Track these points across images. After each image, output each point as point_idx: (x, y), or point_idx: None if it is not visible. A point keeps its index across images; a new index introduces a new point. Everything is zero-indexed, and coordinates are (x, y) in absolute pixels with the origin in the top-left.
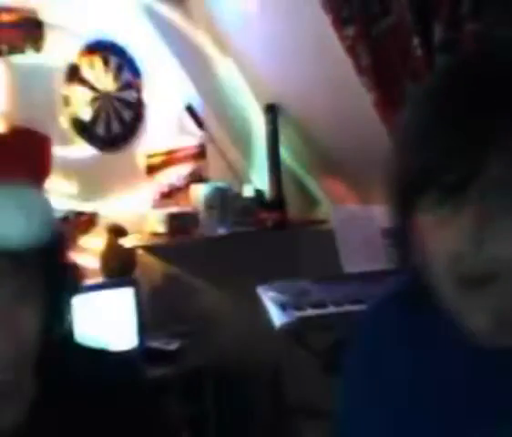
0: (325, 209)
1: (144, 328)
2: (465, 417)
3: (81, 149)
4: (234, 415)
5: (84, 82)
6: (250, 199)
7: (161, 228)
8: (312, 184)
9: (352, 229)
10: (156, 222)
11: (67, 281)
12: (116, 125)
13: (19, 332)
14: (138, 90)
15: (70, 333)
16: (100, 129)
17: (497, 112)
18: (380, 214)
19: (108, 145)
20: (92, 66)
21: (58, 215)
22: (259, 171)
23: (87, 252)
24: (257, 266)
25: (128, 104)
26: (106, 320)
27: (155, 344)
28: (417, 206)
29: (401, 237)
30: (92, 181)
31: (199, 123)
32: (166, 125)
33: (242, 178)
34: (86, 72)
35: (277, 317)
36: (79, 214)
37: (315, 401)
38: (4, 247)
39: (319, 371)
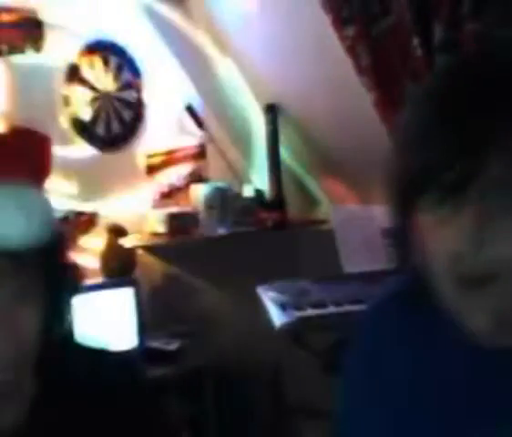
0: (325, 209)
1: (144, 328)
2: (465, 417)
3: (81, 149)
4: (234, 415)
5: (84, 82)
6: (250, 199)
7: (161, 228)
8: (312, 184)
9: (352, 229)
10: (156, 222)
11: (67, 281)
12: (116, 125)
13: (19, 332)
14: (138, 90)
15: (70, 333)
16: (100, 129)
17: (497, 112)
18: (380, 214)
19: (108, 145)
20: (92, 66)
21: (58, 215)
22: (259, 171)
23: (87, 252)
24: (257, 266)
25: (128, 104)
26: (106, 320)
27: (155, 344)
28: (417, 206)
29: (401, 237)
30: (92, 181)
31: (199, 123)
32: (166, 125)
33: (242, 178)
34: (86, 72)
35: (277, 317)
36: (79, 214)
37: (315, 401)
38: (4, 247)
39: (319, 371)
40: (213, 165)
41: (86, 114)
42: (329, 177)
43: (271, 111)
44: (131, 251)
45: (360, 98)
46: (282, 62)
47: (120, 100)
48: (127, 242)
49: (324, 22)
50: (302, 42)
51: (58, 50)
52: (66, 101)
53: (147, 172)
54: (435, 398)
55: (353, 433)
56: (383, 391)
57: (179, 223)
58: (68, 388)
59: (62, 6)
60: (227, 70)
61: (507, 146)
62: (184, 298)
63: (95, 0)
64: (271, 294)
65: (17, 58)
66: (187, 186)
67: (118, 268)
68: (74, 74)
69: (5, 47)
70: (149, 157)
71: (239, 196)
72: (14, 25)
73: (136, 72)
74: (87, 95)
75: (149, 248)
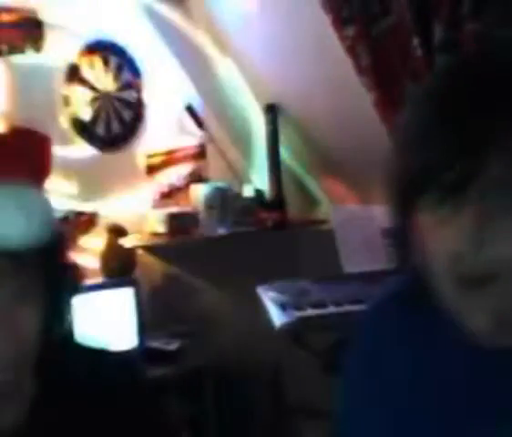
0: (325, 209)
1: (144, 328)
2: (466, 417)
3: (81, 149)
4: (234, 415)
5: (84, 82)
6: (250, 199)
7: (161, 228)
8: (312, 184)
9: (352, 229)
10: (156, 222)
11: (67, 281)
12: (116, 125)
13: (19, 332)
14: (138, 90)
15: (70, 333)
16: (100, 129)
17: (497, 112)
18: (380, 214)
19: (108, 145)
20: (92, 66)
21: (58, 215)
22: (259, 171)
23: (87, 252)
24: (257, 266)
25: (128, 104)
26: (106, 320)
27: (155, 344)
28: (417, 206)
29: (401, 237)
30: (92, 181)
31: (199, 123)
32: (166, 125)
33: (242, 178)
34: (86, 72)
35: (277, 317)
36: (79, 214)
37: (315, 401)
38: (4, 247)
39: (319, 371)
40: (213, 165)
41: (86, 114)
42: (329, 177)
43: (271, 111)
44: (131, 251)
45: (360, 98)
46: (282, 62)
47: (120, 100)
48: (127, 242)
49: (324, 22)
50: (302, 42)
51: (58, 50)
52: (66, 101)
53: (147, 172)
54: (435, 398)
55: (353, 433)
56: (383, 391)
57: (178, 223)
58: (68, 388)
59: (62, 6)
60: (227, 70)
61: (507, 146)
62: (184, 298)
63: (95, 0)
64: (271, 294)
65: (17, 58)
66: (187, 186)
67: (118, 268)
68: (74, 74)
69: (5, 47)
70: (149, 157)
71: (239, 196)
72: (14, 25)
73: (136, 72)
74: (87, 95)
75: (149, 248)
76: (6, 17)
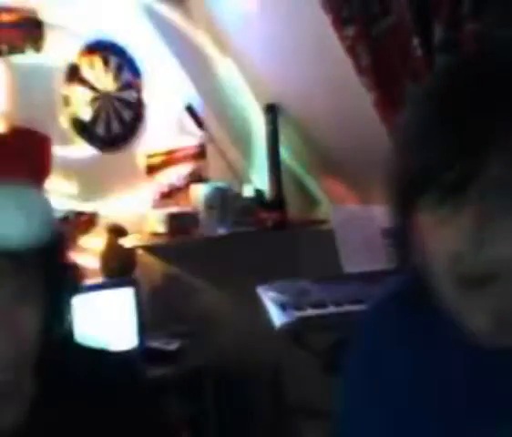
0: (325, 209)
1: (144, 328)
2: (466, 417)
3: (81, 149)
4: (234, 415)
5: (84, 82)
6: (250, 199)
7: (161, 228)
8: (312, 184)
9: (352, 229)
10: (156, 222)
11: (67, 281)
12: (116, 125)
13: (19, 332)
14: (138, 90)
15: (70, 333)
16: (100, 129)
17: (497, 112)
18: (380, 214)
19: (108, 145)
20: (92, 66)
21: (58, 215)
22: (259, 171)
23: (87, 252)
24: (257, 266)
25: (128, 104)
26: (106, 320)
27: (155, 344)
28: (417, 206)
29: (401, 237)
30: (92, 181)
31: (199, 123)
32: (166, 125)
33: (242, 178)
34: (86, 72)
35: (277, 317)
36: (79, 214)
37: (315, 401)
38: (4, 247)
39: (319, 371)
40: (213, 165)
41: (86, 114)
42: (329, 177)
43: (271, 111)
44: (131, 251)
45: (360, 98)
46: (282, 62)
47: (120, 100)
48: (127, 242)
49: (324, 22)
50: (302, 42)
51: (58, 50)
52: (66, 101)
53: (147, 172)
54: (435, 398)
55: (353, 433)
56: (383, 391)
57: (178, 223)
58: (68, 388)
59: (62, 6)
60: (227, 70)
61: (507, 146)
62: (184, 298)
63: (95, 0)
64: (271, 294)
65: (17, 58)
66: (187, 186)
67: (118, 268)
68: (74, 74)
69: (5, 47)
70: (149, 157)
71: (239, 196)
72: (14, 25)
73: (136, 72)
74: (87, 95)
75: (149, 248)
76: (6, 17)
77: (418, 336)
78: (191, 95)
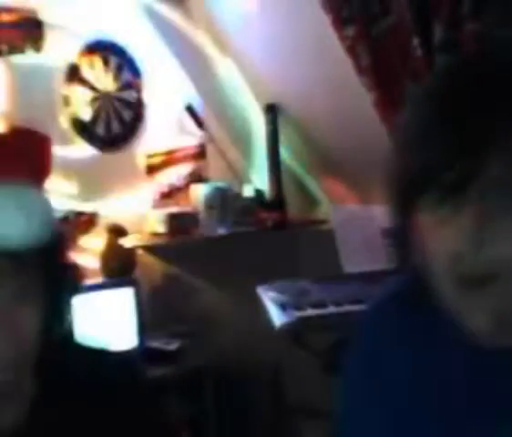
0: (325, 209)
1: (144, 328)
2: (466, 417)
3: (81, 149)
4: (234, 415)
5: (84, 82)
6: (250, 199)
7: (161, 228)
8: (312, 184)
9: (352, 229)
10: (156, 222)
11: (67, 281)
12: (116, 125)
13: (19, 332)
14: (138, 90)
15: (70, 333)
16: (100, 129)
17: (497, 112)
18: (380, 214)
19: (108, 145)
20: (92, 66)
21: (58, 215)
22: (259, 171)
23: (87, 252)
24: (257, 266)
25: (128, 104)
26: (106, 320)
27: (155, 344)
28: (417, 206)
29: (401, 237)
30: (92, 181)
31: (199, 123)
32: (166, 125)
33: (242, 178)
34: (86, 72)
35: (277, 317)
36: (79, 214)
37: (315, 401)
38: (4, 247)
39: (319, 371)
40: (213, 165)
41: (86, 114)
42: (329, 177)
43: (271, 111)
44: (131, 251)
45: (360, 98)
46: (282, 62)
47: (120, 100)
48: (127, 242)
49: (324, 22)
50: (302, 42)
51: (58, 50)
52: (66, 101)
53: (147, 172)
54: (435, 398)
55: (353, 433)
56: (383, 391)
57: (178, 223)
58: (68, 388)
59: (62, 6)
60: (227, 70)
61: (507, 146)
62: (184, 298)
63: (95, 0)
64: (271, 294)
65: (17, 58)
66: (187, 186)
67: (118, 268)
68: (74, 74)
69: (5, 47)
70: (149, 157)
71: (239, 196)
72: (14, 25)
73: (136, 72)
74: (87, 95)
75: (149, 248)
76: (6, 17)
77: (418, 336)
78: (191, 95)
